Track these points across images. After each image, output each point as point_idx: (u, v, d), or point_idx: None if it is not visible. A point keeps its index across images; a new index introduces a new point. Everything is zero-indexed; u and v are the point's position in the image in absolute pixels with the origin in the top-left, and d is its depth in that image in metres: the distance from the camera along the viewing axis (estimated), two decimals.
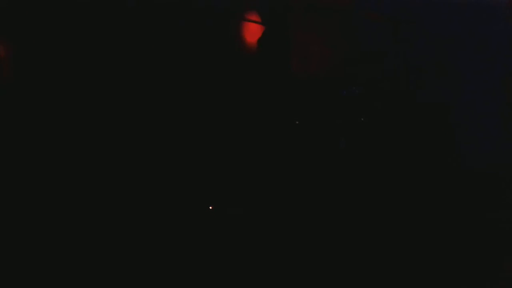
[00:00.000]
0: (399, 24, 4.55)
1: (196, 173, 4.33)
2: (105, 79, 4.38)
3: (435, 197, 4.36)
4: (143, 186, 4.26)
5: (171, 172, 4.32)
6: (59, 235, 4.10)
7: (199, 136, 4.41)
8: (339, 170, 4.44)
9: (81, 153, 4.27)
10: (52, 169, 4.21)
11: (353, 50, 4.60)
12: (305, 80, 4.58)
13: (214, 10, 4.50)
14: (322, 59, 4.62)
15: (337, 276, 4.13)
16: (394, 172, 4.44)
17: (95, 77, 4.37)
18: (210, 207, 4.30)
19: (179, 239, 4.17)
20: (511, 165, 4.38)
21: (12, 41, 4.38)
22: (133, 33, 4.43)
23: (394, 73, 4.56)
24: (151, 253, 4.11)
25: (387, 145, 4.50)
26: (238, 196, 4.33)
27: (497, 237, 4.23)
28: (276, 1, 4.57)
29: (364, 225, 4.29)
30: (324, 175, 4.42)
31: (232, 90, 4.50)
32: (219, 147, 4.41)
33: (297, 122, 4.53)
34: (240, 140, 4.44)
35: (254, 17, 4.56)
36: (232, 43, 4.55)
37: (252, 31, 4.56)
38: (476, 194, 4.33)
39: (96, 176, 4.24)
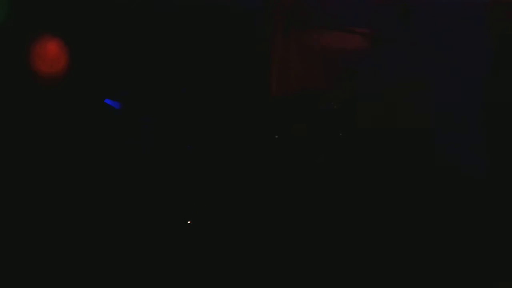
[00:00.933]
0: (377, 40, 4.59)
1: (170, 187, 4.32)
2: None
3: (415, 209, 4.27)
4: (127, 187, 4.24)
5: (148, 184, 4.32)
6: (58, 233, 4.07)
7: (174, 148, 4.43)
8: (317, 185, 4.39)
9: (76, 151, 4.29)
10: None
11: (332, 66, 4.63)
12: (284, 95, 4.60)
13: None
14: (300, 75, 4.64)
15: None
16: (373, 186, 4.38)
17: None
18: (189, 222, 4.27)
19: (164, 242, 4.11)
20: (492, 168, 4.31)
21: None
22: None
23: (372, 89, 4.56)
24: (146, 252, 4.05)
25: (365, 159, 4.46)
26: (215, 211, 4.29)
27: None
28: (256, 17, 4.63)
29: (341, 242, 4.20)
30: (302, 189, 4.36)
31: (210, 105, 4.53)
32: (195, 161, 4.41)
33: (276, 137, 4.52)
34: (218, 154, 4.44)
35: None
36: (210, 58, 4.61)
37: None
38: (455, 200, 4.24)
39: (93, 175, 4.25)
